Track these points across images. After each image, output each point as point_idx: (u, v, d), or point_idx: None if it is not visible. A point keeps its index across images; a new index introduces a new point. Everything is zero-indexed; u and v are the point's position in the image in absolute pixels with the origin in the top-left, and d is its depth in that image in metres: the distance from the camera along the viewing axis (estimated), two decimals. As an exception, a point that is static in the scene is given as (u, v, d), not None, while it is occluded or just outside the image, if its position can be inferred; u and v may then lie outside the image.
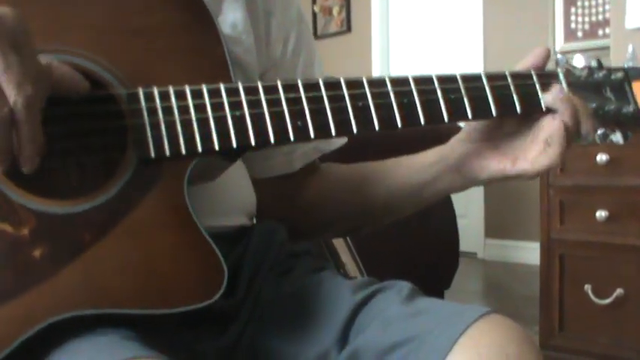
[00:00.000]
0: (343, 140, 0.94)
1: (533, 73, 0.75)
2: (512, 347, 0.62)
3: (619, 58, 2.48)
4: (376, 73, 4.94)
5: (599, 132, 0.78)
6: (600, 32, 3.74)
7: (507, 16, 4.21)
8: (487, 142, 0.78)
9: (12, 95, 0.53)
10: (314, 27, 5.26)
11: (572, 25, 3.88)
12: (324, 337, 0.71)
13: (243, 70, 0.82)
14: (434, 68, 4.99)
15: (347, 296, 0.73)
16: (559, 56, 0.79)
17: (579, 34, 3.86)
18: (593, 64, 0.79)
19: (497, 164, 0.77)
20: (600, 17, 3.76)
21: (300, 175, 0.92)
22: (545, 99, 0.74)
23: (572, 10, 3.87)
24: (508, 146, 0.77)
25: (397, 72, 4.88)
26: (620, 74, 0.79)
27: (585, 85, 0.77)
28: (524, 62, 0.77)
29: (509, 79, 0.74)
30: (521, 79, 0.75)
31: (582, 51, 3.75)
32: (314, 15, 5.28)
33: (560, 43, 3.92)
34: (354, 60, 5.00)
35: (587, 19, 3.83)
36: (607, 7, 3.62)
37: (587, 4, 3.82)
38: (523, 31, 4.09)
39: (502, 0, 4.24)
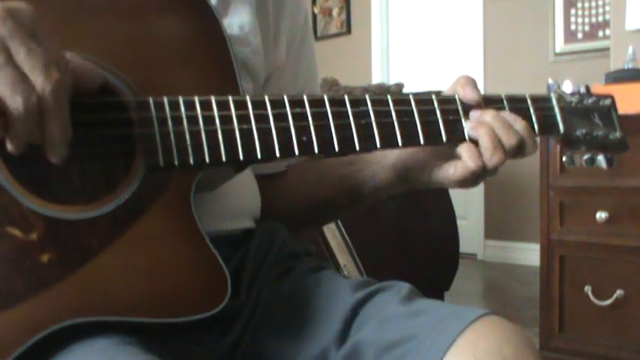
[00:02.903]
0: None
1: (527, 96, 0.78)
2: (509, 349, 0.62)
3: (619, 59, 2.48)
4: (376, 74, 4.95)
5: (586, 157, 0.81)
6: (600, 33, 3.75)
7: (507, 18, 4.21)
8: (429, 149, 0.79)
9: (39, 81, 0.51)
10: (314, 28, 5.26)
11: (573, 27, 3.89)
12: (323, 336, 0.71)
13: (250, 71, 0.82)
14: (433, 70, 4.98)
15: (346, 295, 0.74)
16: (550, 81, 0.82)
17: (579, 35, 3.86)
18: (582, 90, 0.82)
19: (427, 167, 0.78)
20: (600, 18, 3.77)
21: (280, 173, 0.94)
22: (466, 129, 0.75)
23: (573, 11, 3.88)
24: (443, 153, 0.77)
25: (397, 74, 4.88)
26: (607, 101, 0.82)
27: (575, 111, 0.80)
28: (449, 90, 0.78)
29: (505, 103, 0.77)
30: (516, 102, 0.78)
31: (582, 52, 3.76)
32: (314, 16, 5.28)
33: (560, 45, 3.93)
34: (354, 61, 5.01)
35: (587, 20, 3.84)
36: (607, 8, 3.62)
37: (587, 5, 3.82)
38: (523, 32, 4.09)
39: (502, 1, 4.24)
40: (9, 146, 0.53)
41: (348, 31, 5.14)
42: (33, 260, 0.58)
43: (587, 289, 2.11)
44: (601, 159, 0.81)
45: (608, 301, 2.07)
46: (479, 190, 4.37)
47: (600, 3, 3.76)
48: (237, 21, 0.81)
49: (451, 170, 0.74)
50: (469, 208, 4.35)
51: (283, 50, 0.89)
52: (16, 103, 0.51)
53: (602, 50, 3.34)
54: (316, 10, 5.29)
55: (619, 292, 2.05)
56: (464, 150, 0.73)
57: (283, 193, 0.93)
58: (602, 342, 2.10)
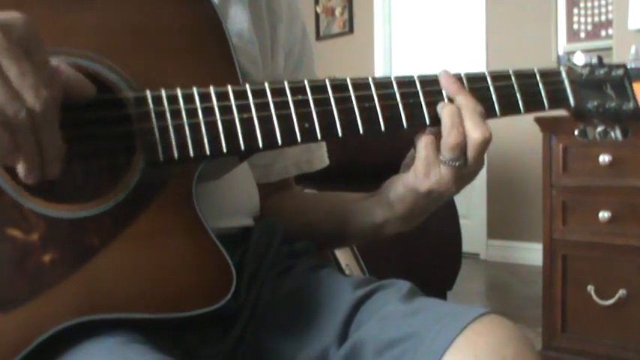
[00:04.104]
0: (325, 163, 0.96)
1: (536, 71, 0.76)
2: (509, 349, 0.62)
3: (622, 58, 2.48)
4: (378, 74, 4.94)
5: (599, 129, 0.79)
6: (603, 33, 3.74)
7: (510, 17, 4.21)
8: None
9: (29, 99, 0.52)
10: (316, 28, 5.25)
11: (575, 26, 3.88)
12: (324, 334, 0.71)
13: (248, 80, 0.81)
14: (436, 69, 4.99)
15: (347, 293, 0.73)
16: (561, 54, 0.80)
17: (582, 34, 3.86)
18: (594, 61, 0.80)
19: (400, 177, 0.76)
20: (603, 18, 3.76)
21: (271, 188, 0.94)
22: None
23: (575, 10, 3.87)
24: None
25: (399, 73, 4.86)
26: (620, 71, 0.79)
27: (586, 83, 0.78)
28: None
29: (513, 79, 0.75)
30: (524, 78, 0.76)
31: (585, 52, 3.75)
32: (316, 16, 5.28)
33: (562, 44, 3.92)
34: (357, 61, 5.00)
35: (589, 19, 3.83)
36: (610, 7, 3.62)
37: (589, 4, 3.81)
38: (526, 32, 4.09)
39: (505, 1, 4.24)
40: (23, 176, 0.54)
41: (351, 30, 5.14)
42: (35, 261, 0.58)
43: (590, 288, 2.11)
44: (616, 131, 0.79)
45: (611, 301, 2.07)
46: (481, 189, 4.37)
47: (603, 2, 3.75)
48: (236, 28, 0.80)
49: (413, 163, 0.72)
50: (472, 207, 4.35)
51: (281, 62, 0.88)
52: (5, 119, 0.51)
53: (604, 50, 3.33)
54: (319, 10, 5.29)
55: (621, 292, 2.05)
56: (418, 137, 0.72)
57: (277, 212, 0.93)
58: (604, 341, 2.09)
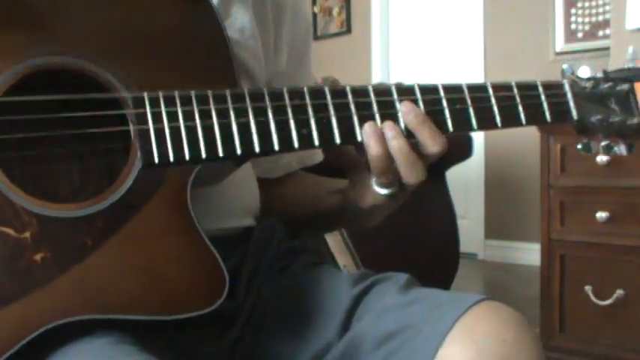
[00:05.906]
0: (322, 157, 0.96)
1: (539, 83, 0.75)
2: (508, 333, 0.62)
3: (619, 59, 2.48)
4: (376, 74, 4.94)
5: (603, 143, 0.77)
6: (600, 33, 3.74)
7: (508, 17, 4.21)
8: None
9: None
10: (314, 28, 5.25)
11: (573, 26, 3.88)
12: (325, 331, 0.71)
13: (249, 75, 0.81)
14: (434, 69, 4.98)
15: (346, 289, 0.73)
16: (565, 66, 0.78)
17: (579, 35, 3.86)
18: (599, 74, 0.78)
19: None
20: (600, 18, 3.76)
21: (274, 182, 0.94)
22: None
23: (573, 10, 3.87)
24: None
25: (397, 73, 4.88)
26: (625, 86, 0.77)
27: (590, 97, 0.76)
28: None
29: (515, 90, 0.74)
30: (526, 89, 0.75)
31: (582, 52, 3.75)
32: (314, 16, 5.28)
33: (560, 44, 3.92)
34: (354, 61, 5.00)
35: (587, 19, 3.83)
36: (607, 8, 3.62)
37: (587, 5, 3.82)
38: (523, 31, 4.09)
39: (502, 1, 4.24)
40: None
41: (349, 30, 5.14)
42: (27, 259, 0.57)
43: (588, 288, 2.11)
44: (620, 145, 0.77)
45: (609, 301, 2.07)
46: (479, 189, 4.37)
47: (600, 2, 3.76)
48: (237, 23, 0.80)
49: None
50: (469, 207, 4.35)
51: (284, 58, 0.88)
52: None
53: (602, 50, 3.33)
54: (316, 10, 5.28)
55: (619, 292, 2.05)
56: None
57: (281, 201, 0.93)
58: (602, 341, 2.10)
